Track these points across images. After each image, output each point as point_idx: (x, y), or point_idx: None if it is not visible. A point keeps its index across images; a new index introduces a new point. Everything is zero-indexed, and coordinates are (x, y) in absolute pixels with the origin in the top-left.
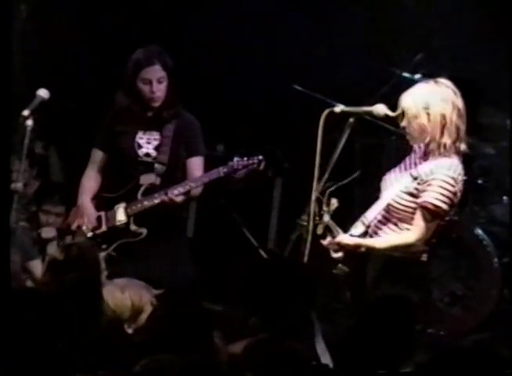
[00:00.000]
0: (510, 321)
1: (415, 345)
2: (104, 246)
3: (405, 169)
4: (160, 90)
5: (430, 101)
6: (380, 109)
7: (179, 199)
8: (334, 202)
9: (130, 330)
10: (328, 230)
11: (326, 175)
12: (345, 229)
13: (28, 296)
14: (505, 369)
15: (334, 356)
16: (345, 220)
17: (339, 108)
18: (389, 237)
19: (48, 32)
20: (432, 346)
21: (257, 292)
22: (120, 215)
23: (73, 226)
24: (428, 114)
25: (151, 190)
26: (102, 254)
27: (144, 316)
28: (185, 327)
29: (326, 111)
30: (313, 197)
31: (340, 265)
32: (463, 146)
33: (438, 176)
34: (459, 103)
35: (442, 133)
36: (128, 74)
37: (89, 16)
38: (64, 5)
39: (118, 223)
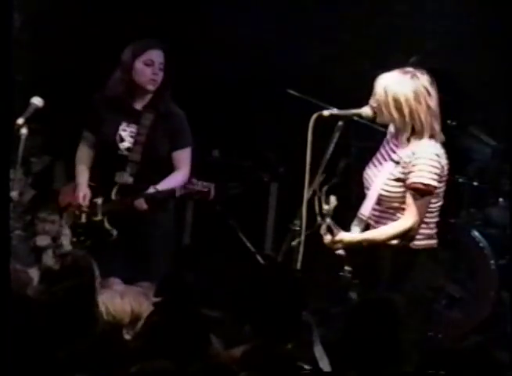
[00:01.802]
0: (507, 323)
1: (413, 348)
2: (82, 238)
3: (385, 158)
4: (158, 75)
5: (402, 96)
6: (369, 110)
7: (144, 207)
8: (333, 200)
9: (128, 336)
10: (329, 230)
11: (317, 180)
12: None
13: (24, 304)
14: (503, 371)
15: (332, 360)
16: (343, 223)
17: (328, 111)
18: (387, 227)
19: (42, 40)
20: (430, 349)
21: (252, 298)
22: (98, 211)
23: (63, 204)
24: (397, 108)
25: (125, 189)
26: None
27: (142, 323)
28: (180, 332)
29: (315, 115)
30: (304, 202)
31: (345, 266)
32: (438, 137)
33: (421, 155)
34: (432, 103)
35: (409, 128)
36: (127, 57)
37: (84, 24)
38: (59, 12)
39: (95, 219)
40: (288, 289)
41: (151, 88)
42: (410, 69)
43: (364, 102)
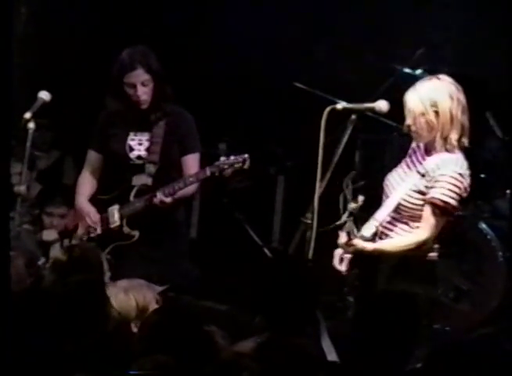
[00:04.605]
0: None
1: (421, 340)
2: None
3: (410, 168)
4: (145, 93)
5: (437, 98)
6: (382, 105)
7: (167, 200)
8: (361, 199)
9: (136, 330)
10: (347, 231)
11: (329, 173)
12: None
13: (33, 298)
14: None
15: (340, 353)
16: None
17: (341, 105)
18: (401, 238)
19: (49, 34)
20: (438, 342)
21: (261, 291)
22: (114, 218)
23: (70, 228)
24: (436, 112)
25: (144, 191)
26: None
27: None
28: (184, 327)
29: (328, 108)
30: (316, 196)
31: (350, 268)
32: (466, 142)
33: (446, 172)
34: (463, 99)
35: (450, 129)
36: (113, 77)
37: (89, 18)
38: (64, 7)
39: (112, 226)
40: (302, 280)
41: (142, 107)
42: (433, 76)
43: (369, 94)
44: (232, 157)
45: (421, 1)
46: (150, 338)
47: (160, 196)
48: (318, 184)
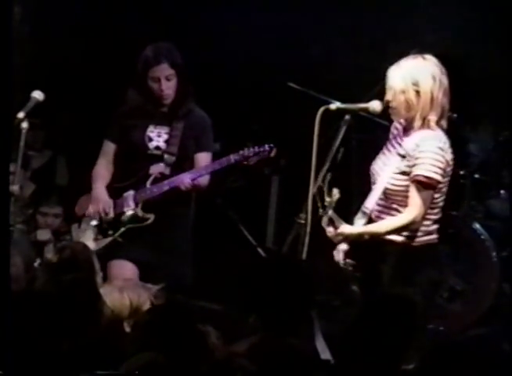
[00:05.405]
0: (509, 315)
1: (415, 341)
2: (110, 232)
3: (391, 151)
4: (169, 88)
5: (420, 77)
6: (376, 105)
7: (187, 185)
8: (336, 192)
9: (128, 329)
10: (331, 222)
11: (323, 173)
12: (347, 222)
13: (26, 298)
14: (505, 363)
15: (334, 352)
16: (345, 215)
17: (335, 105)
18: (388, 220)
19: (43, 34)
20: (432, 342)
21: (256, 290)
22: (129, 203)
23: (80, 213)
24: (417, 91)
25: (160, 180)
26: (107, 240)
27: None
28: (177, 327)
29: (322, 108)
30: (310, 196)
31: (347, 259)
32: (445, 125)
33: (425, 148)
34: (445, 81)
35: (429, 110)
36: (138, 72)
37: (85, 17)
38: (60, 5)
39: (126, 210)
40: (296, 280)
41: (166, 101)
42: (417, 55)
43: (363, 94)
44: (256, 147)
45: (416, 2)
46: (143, 338)
47: (179, 181)
48: (312, 184)
